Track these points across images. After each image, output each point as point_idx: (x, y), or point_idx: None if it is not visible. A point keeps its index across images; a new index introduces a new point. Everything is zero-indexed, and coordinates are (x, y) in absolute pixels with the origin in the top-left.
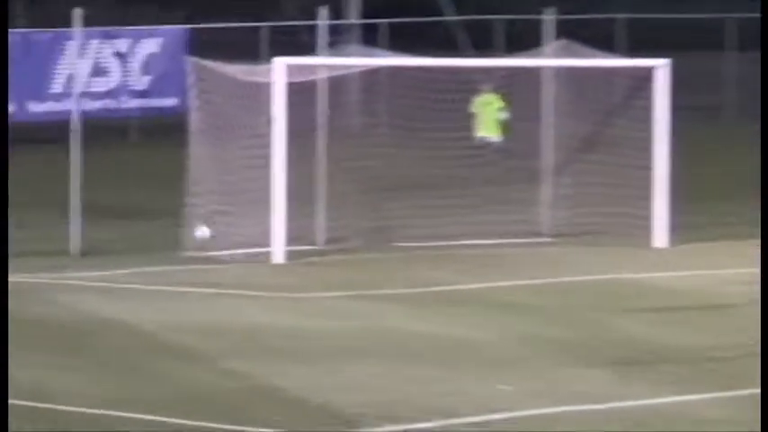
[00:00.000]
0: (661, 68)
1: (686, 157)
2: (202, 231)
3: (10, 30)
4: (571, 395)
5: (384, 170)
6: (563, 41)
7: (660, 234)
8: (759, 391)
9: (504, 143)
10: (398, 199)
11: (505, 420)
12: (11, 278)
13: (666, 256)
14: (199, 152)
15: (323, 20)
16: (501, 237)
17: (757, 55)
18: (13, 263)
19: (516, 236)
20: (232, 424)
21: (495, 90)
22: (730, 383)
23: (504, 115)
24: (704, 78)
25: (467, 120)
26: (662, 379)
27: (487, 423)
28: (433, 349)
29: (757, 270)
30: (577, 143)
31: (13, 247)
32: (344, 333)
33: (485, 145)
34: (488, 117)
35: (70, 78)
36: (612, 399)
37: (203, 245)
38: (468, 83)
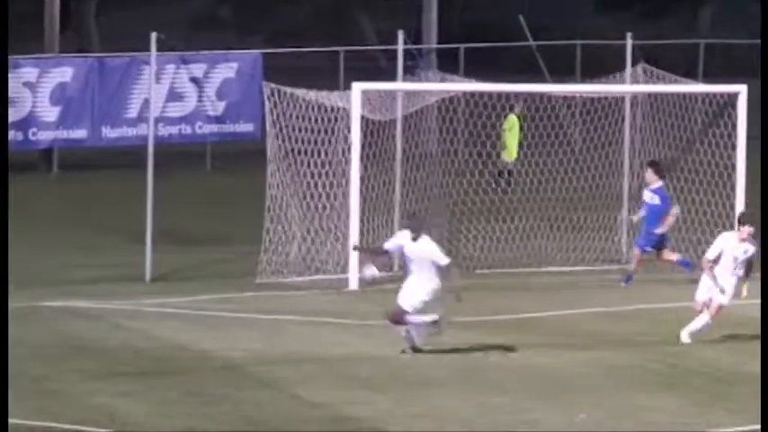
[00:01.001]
0: (743, 94)
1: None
2: (371, 270)
3: (86, 54)
4: (648, 424)
5: (461, 195)
6: (642, 66)
7: None
8: None
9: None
10: (476, 225)
11: None
12: (86, 304)
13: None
14: (276, 178)
15: (401, 45)
16: (578, 263)
17: None
18: (88, 289)
19: (593, 262)
20: None
21: (521, 113)
22: None
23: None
24: None
25: (546, 144)
26: (735, 407)
27: None
28: (511, 377)
29: None
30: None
31: (87, 272)
32: (421, 362)
33: (508, 167)
34: (512, 140)
35: (145, 103)
36: (690, 426)
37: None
38: (548, 109)
